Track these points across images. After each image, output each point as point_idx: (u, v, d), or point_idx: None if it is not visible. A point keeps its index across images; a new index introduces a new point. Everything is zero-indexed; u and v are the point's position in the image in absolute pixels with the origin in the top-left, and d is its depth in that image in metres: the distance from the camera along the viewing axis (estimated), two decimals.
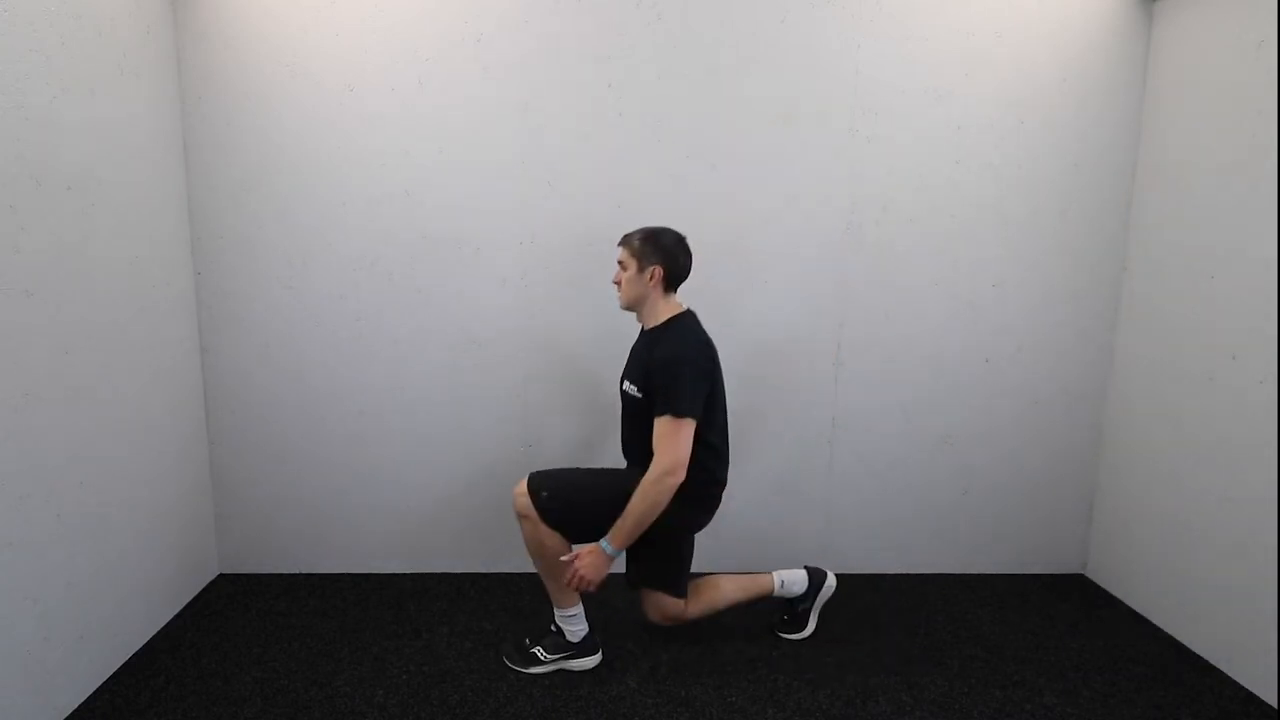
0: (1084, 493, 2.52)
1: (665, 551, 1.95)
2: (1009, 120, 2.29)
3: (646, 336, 1.91)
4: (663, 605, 1.98)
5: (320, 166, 2.24)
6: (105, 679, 1.86)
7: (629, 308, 1.93)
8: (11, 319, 1.53)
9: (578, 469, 2.07)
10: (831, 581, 2.12)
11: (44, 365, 1.63)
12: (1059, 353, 2.43)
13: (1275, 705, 1.83)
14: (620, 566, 1.96)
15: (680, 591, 2.00)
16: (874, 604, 2.33)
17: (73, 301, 1.71)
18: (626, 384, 1.90)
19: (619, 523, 1.77)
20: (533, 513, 1.83)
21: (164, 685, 1.85)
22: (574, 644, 1.93)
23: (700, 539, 2.48)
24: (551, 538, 1.84)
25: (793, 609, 2.12)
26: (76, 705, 1.75)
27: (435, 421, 2.39)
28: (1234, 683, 1.94)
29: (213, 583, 2.40)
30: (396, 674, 1.92)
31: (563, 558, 1.84)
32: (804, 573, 2.12)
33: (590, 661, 1.96)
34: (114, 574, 1.89)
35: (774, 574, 2.10)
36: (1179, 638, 2.14)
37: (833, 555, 2.52)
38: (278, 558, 2.45)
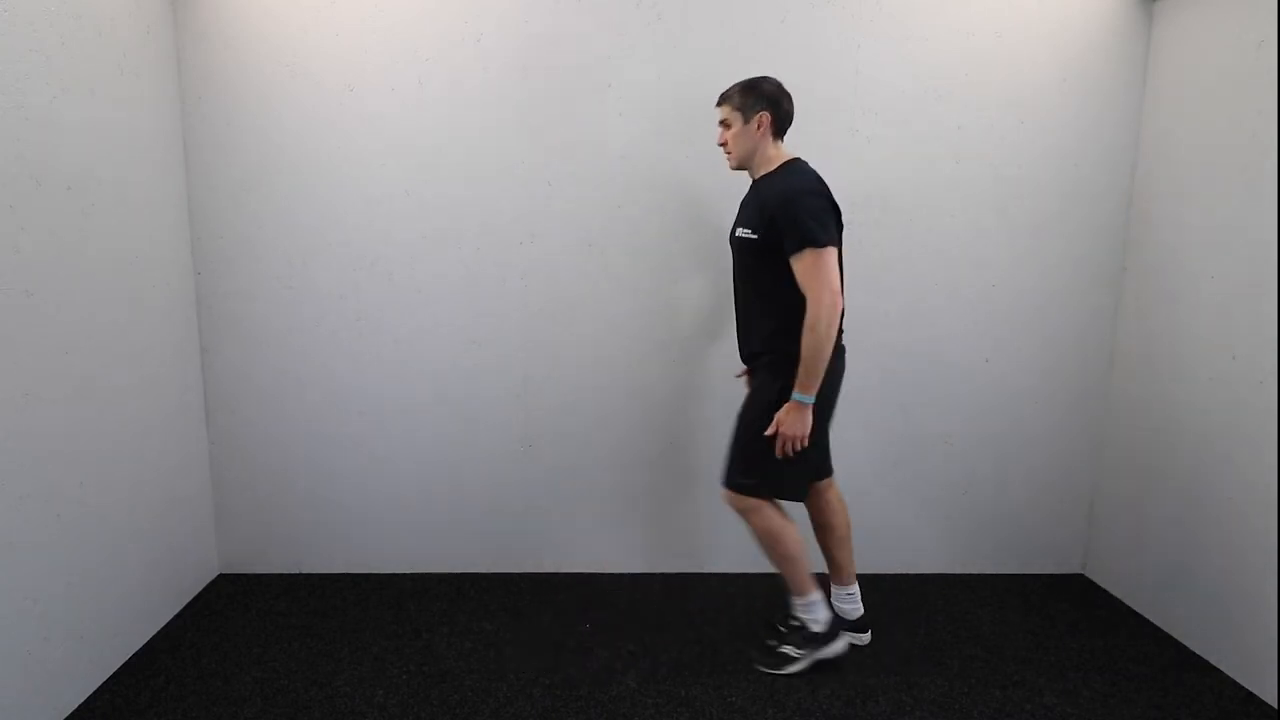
0: (1084, 493, 2.52)
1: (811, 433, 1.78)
2: (1009, 120, 2.29)
3: (758, 185, 1.86)
4: (742, 497, 1.87)
5: (320, 166, 2.24)
6: (105, 679, 1.86)
7: (741, 165, 1.87)
8: (11, 319, 1.53)
9: (736, 439, 1.92)
10: (840, 648, 1.95)
11: (44, 365, 1.63)
12: (1059, 353, 2.43)
13: (1275, 705, 1.83)
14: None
15: (802, 492, 1.91)
16: (874, 604, 2.32)
17: (73, 301, 1.71)
18: (740, 230, 1.84)
19: (800, 371, 1.70)
20: (745, 501, 1.85)
21: (164, 685, 1.85)
22: (820, 633, 1.92)
23: (700, 539, 2.49)
24: (775, 518, 1.85)
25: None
26: (76, 705, 1.75)
27: (435, 421, 2.39)
28: (1234, 683, 1.94)
29: (213, 583, 2.40)
30: (396, 674, 1.92)
31: (766, 432, 1.77)
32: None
33: (840, 646, 1.92)
34: (114, 574, 1.89)
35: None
36: (1179, 638, 2.14)
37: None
38: (278, 558, 2.45)
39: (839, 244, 1.75)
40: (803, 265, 1.69)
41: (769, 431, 1.78)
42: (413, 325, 2.33)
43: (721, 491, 1.93)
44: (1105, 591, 2.44)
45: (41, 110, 1.61)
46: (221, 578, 2.43)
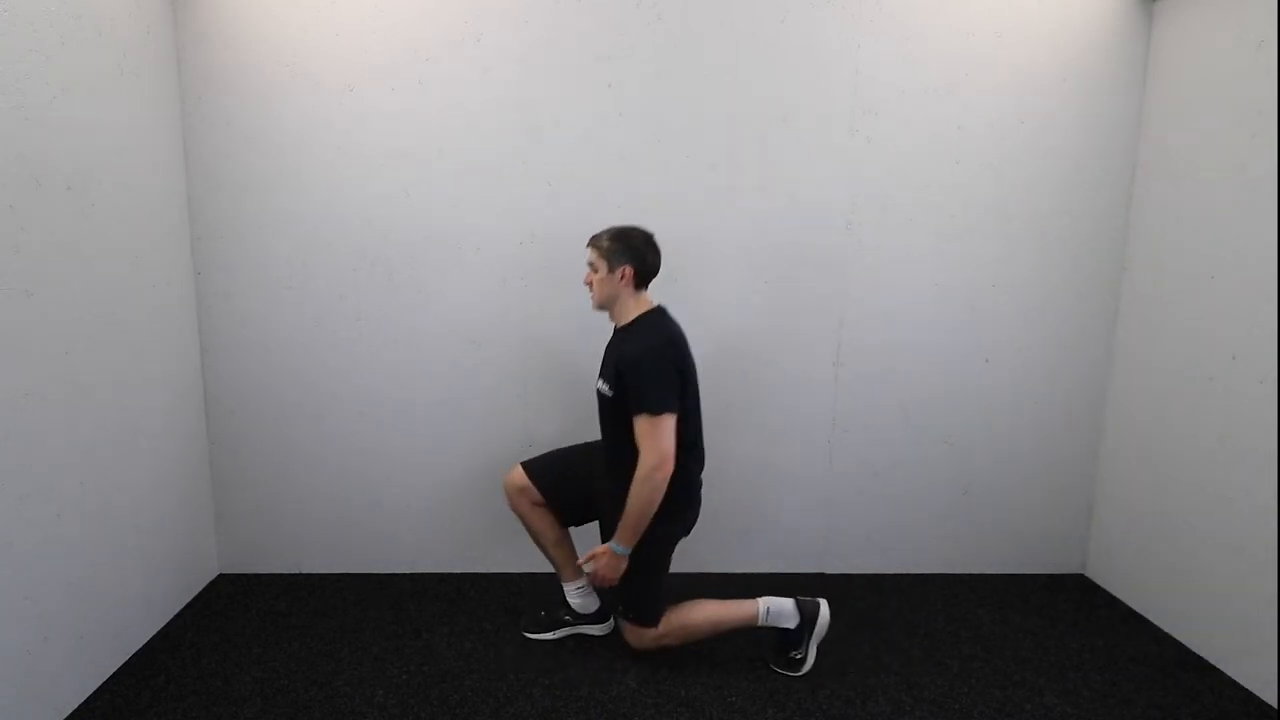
0: (1084, 493, 2.52)
1: (638, 573, 1.85)
2: (1009, 120, 2.29)
3: (617, 335, 1.91)
4: (636, 632, 1.95)
5: (320, 166, 2.24)
6: (105, 679, 1.86)
7: (601, 307, 1.92)
8: (11, 319, 1.53)
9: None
10: (825, 616, 1.93)
11: (44, 365, 1.63)
12: (1059, 353, 2.43)
13: (1275, 705, 1.83)
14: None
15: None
16: (874, 604, 2.33)
17: (73, 301, 1.71)
18: (600, 383, 1.89)
19: (622, 522, 1.77)
20: (650, 633, 1.92)
21: (164, 685, 1.85)
22: (796, 628, 1.94)
23: (700, 539, 2.48)
24: (681, 623, 1.94)
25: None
26: (76, 705, 1.75)
27: (435, 421, 2.39)
28: (1234, 683, 1.94)
29: (213, 583, 2.40)
30: (396, 674, 1.92)
31: (578, 561, 1.92)
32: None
33: (824, 612, 1.94)
34: (114, 574, 1.89)
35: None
36: (1179, 638, 2.14)
37: (833, 555, 2.52)
38: (278, 558, 2.45)
39: (678, 408, 1.77)
40: (641, 428, 1.74)
41: (580, 561, 1.94)
42: (413, 325, 2.33)
43: (628, 633, 1.97)
44: (1105, 591, 2.44)
45: (41, 110, 1.61)
46: (221, 578, 2.43)
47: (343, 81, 2.20)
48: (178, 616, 2.18)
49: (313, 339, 2.33)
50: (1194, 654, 2.07)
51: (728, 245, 2.32)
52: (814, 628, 1.93)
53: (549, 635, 2.11)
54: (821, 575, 2.53)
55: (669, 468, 1.73)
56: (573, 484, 2.02)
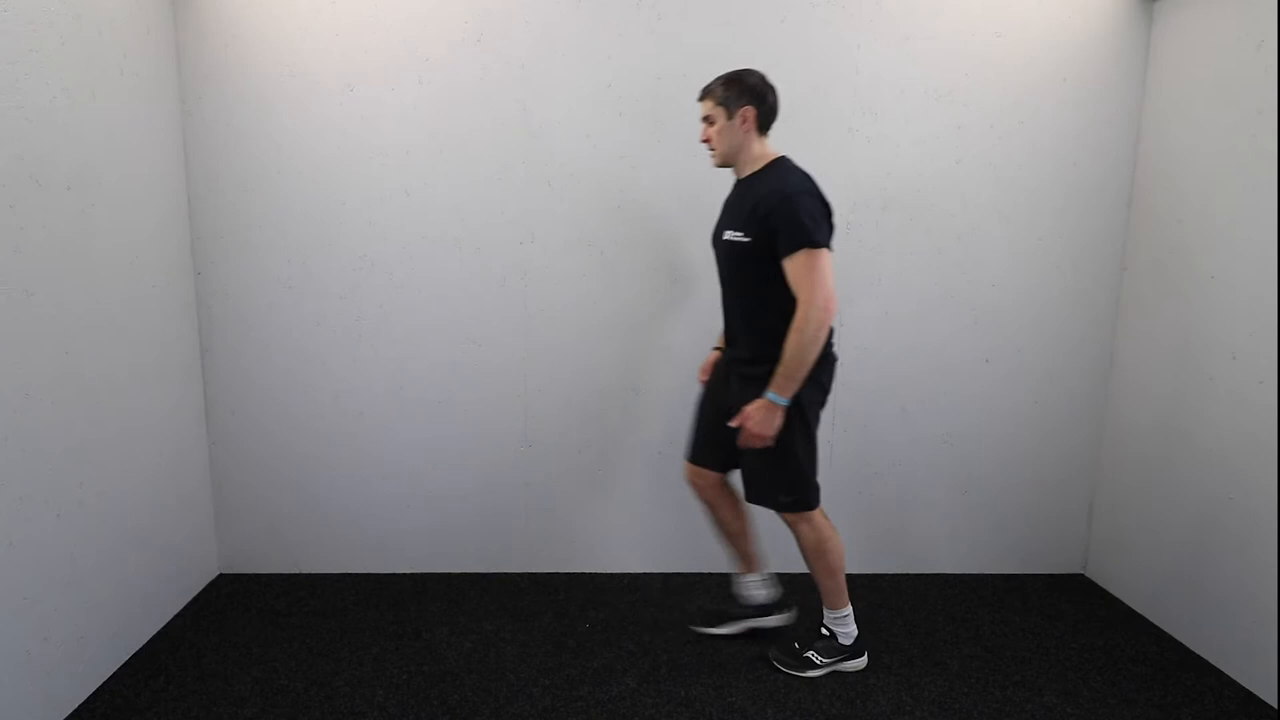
0: (1084, 493, 2.52)
1: (798, 442, 1.76)
2: (1009, 120, 2.29)
3: (745, 184, 1.80)
4: (804, 522, 1.85)
5: (320, 166, 2.24)
6: (105, 679, 1.86)
7: (725, 162, 1.81)
8: (12, 319, 1.53)
9: (763, 458, 1.83)
10: (860, 664, 1.96)
11: (44, 365, 1.63)
12: (1059, 353, 2.43)
13: (1275, 705, 1.83)
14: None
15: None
16: (874, 604, 2.33)
17: (73, 301, 1.71)
18: (728, 234, 1.76)
19: (779, 369, 1.65)
20: (792, 516, 1.83)
21: (164, 685, 1.85)
22: (847, 646, 1.92)
23: (700, 538, 2.49)
24: (822, 528, 1.84)
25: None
26: (76, 705, 1.75)
27: (435, 421, 2.39)
28: (1234, 683, 1.94)
29: (213, 583, 2.40)
30: (396, 674, 1.92)
31: (730, 423, 1.75)
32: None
33: (862, 662, 1.95)
34: (114, 574, 1.89)
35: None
36: (1179, 638, 2.14)
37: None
38: (278, 558, 2.45)
39: (830, 247, 1.69)
40: (796, 266, 1.64)
41: (733, 423, 1.76)
42: (413, 325, 2.33)
43: (802, 525, 1.87)
44: (1105, 591, 2.44)
45: (41, 110, 1.61)
46: (221, 578, 2.43)
47: (343, 81, 2.20)
48: (178, 616, 2.18)
49: (313, 339, 2.33)
50: (1194, 654, 2.07)
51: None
52: (851, 657, 1.94)
53: (725, 630, 2.09)
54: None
55: (834, 306, 1.63)
56: (719, 425, 1.87)
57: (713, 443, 1.98)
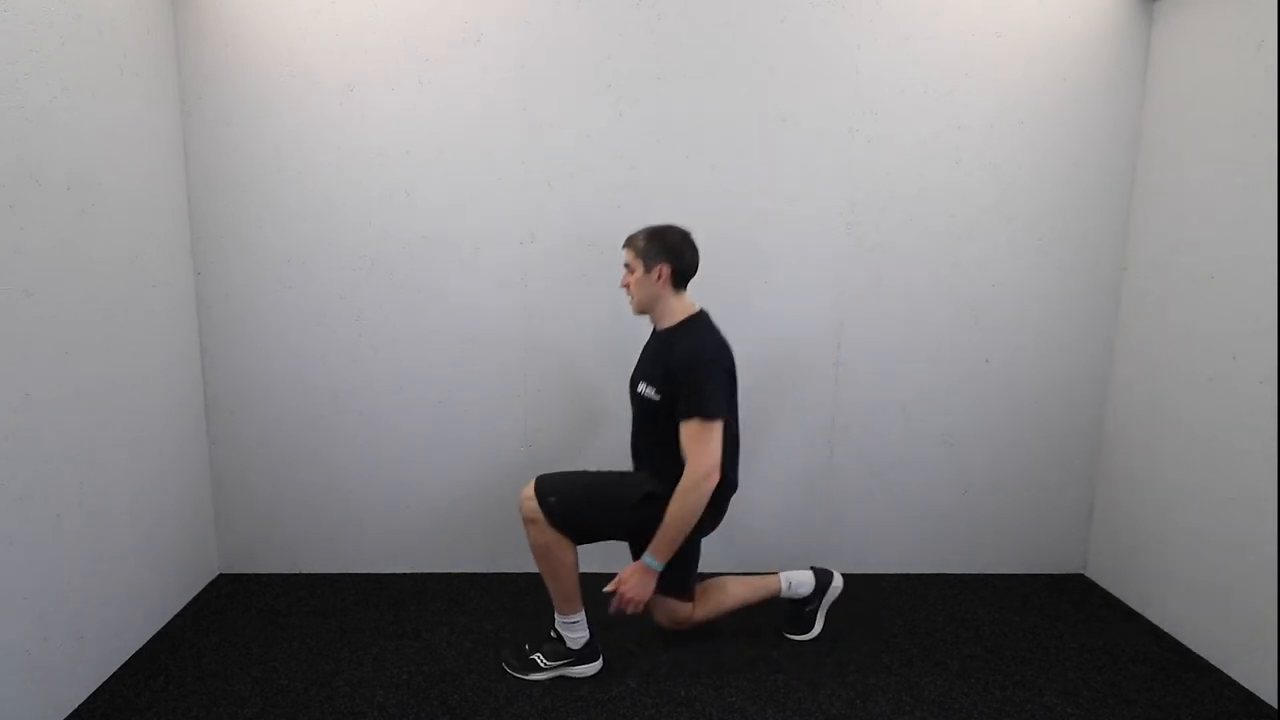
0: (1084, 493, 2.52)
1: (676, 555, 1.85)
2: (1009, 120, 2.29)
3: (661, 337, 1.88)
4: (670, 609, 1.98)
5: (320, 166, 2.24)
6: (105, 679, 1.86)
7: (642, 311, 1.89)
8: (11, 319, 1.53)
9: (584, 472, 2.03)
10: (838, 582, 2.11)
11: (44, 365, 1.63)
12: (1059, 353, 2.43)
13: (1275, 705, 1.83)
14: (621, 563, 1.93)
15: (687, 595, 1.99)
16: (874, 604, 2.33)
17: (73, 301, 1.71)
18: (642, 386, 1.85)
19: (659, 534, 1.74)
20: (539, 516, 1.82)
21: (164, 685, 1.85)
22: (574, 650, 1.92)
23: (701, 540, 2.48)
24: (559, 542, 1.83)
25: (799, 609, 2.11)
26: (76, 705, 1.75)
27: (435, 421, 2.39)
28: (1234, 683, 1.94)
29: (213, 583, 2.40)
30: (396, 674, 1.92)
31: (605, 589, 1.82)
32: (810, 574, 2.11)
33: (590, 669, 1.93)
34: (114, 574, 1.89)
35: (781, 575, 2.09)
36: (1179, 638, 2.14)
37: (833, 555, 2.52)
38: (278, 558, 2.45)
39: (727, 418, 1.76)
40: (689, 432, 1.71)
41: (607, 589, 1.81)
42: (413, 325, 2.33)
43: (527, 487, 1.86)
44: (1105, 591, 2.44)
45: (41, 110, 1.61)
46: (221, 578, 2.43)
47: (343, 81, 2.20)
48: (178, 616, 2.18)
49: (313, 339, 2.33)
50: (1194, 654, 2.07)
51: (727, 245, 2.31)
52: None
53: (814, 631, 2.11)
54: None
55: (717, 476, 1.71)
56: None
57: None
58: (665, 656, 2.01)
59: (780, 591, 2.07)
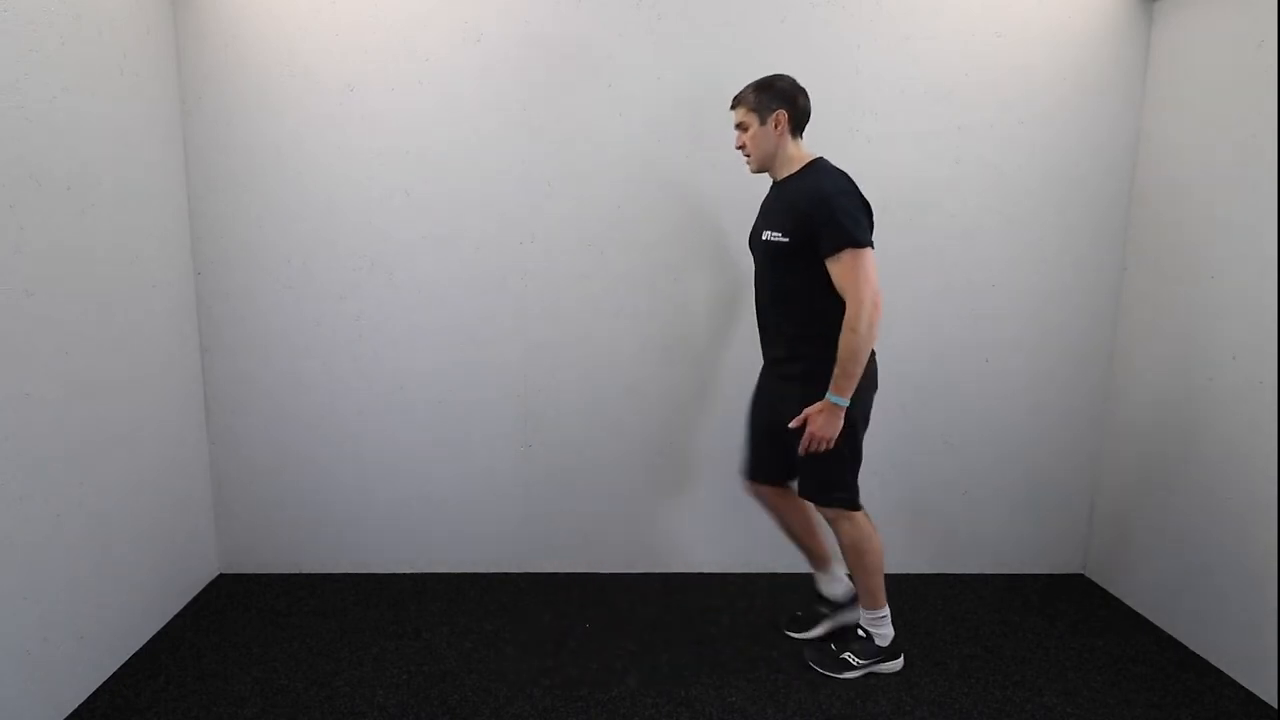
0: (1084, 493, 2.52)
1: (847, 443, 1.78)
2: (1009, 120, 2.29)
3: (783, 186, 1.82)
4: (846, 521, 1.86)
5: (320, 166, 2.24)
6: (105, 679, 1.86)
7: (761, 167, 1.84)
8: (11, 319, 1.53)
9: (809, 454, 1.81)
10: (897, 666, 1.96)
11: (44, 365, 1.63)
12: (1059, 353, 2.43)
13: (1275, 705, 1.83)
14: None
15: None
16: None
17: (73, 301, 1.71)
18: (767, 234, 1.78)
19: (837, 371, 1.68)
20: (838, 511, 1.83)
21: (164, 685, 1.85)
22: (883, 648, 1.92)
23: (699, 538, 2.49)
24: (865, 525, 1.84)
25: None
26: (76, 705, 1.75)
27: (435, 421, 2.39)
28: (1234, 683, 1.94)
29: (213, 583, 2.40)
30: (396, 674, 1.92)
31: (791, 424, 1.76)
32: (850, 586, 2.04)
33: (898, 664, 1.94)
34: (114, 574, 1.89)
35: (836, 562, 2.03)
36: (1179, 638, 2.14)
37: (832, 555, 2.51)
38: (278, 558, 2.45)
39: (873, 245, 1.70)
40: (841, 266, 1.66)
41: (794, 424, 1.76)
42: (413, 325, 2.33)
43: (839, 525, 1.89)
44: (1105, 591, 2.44)
45: (41, 110, 1.61)
46: (221, 578, 2.43)
47: (343, 81, 2.20)
48: (178, 616, 2.18)
49: (313, 339, 2.32)
50: (1194, 654, 2.07)
51: (728, 245, 2.31)
52: (888, 659, 1.94)
53: (815, 633, 2.10)
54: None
55: (881, 303, 1.66)
56: (773, 434, 1.89)
57: (769, 456, 1.99)
58: (665, 656, 2.01)
59: (825, 566, 2.04)
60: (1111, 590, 2.43)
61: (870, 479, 2.47)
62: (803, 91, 1.81)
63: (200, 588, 2.34)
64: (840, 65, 2.24)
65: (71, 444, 1.72)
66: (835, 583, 2.11)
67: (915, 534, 2.52)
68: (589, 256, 2.32)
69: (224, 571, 2.45)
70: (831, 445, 1.74)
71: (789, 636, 2.12)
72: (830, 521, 1.91)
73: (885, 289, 2.32)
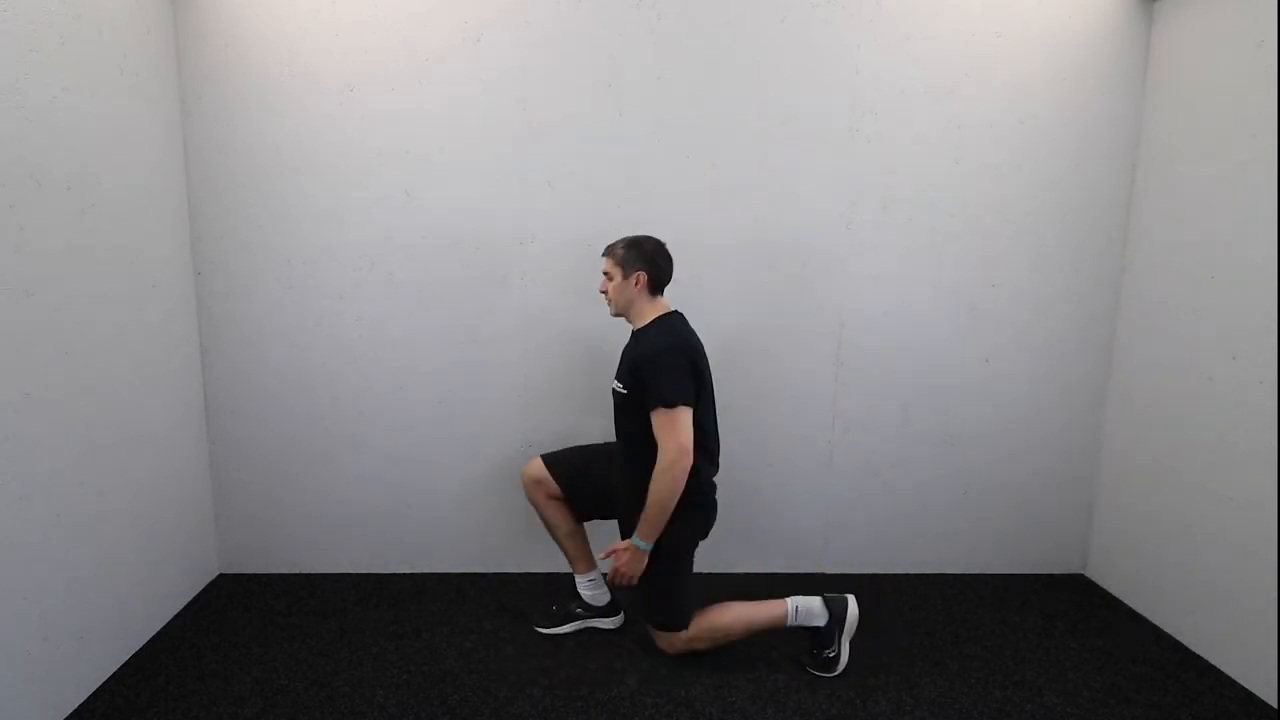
0: (1084, 493, 2.52)
1: (661, 578, 1.88)
2: (1009, 120, 2.29)
3: (635, 337, 1.94)
4: (665, 638, 1.97)
5: (320, 166, 2.24)
6: (105, 679, 1.86)
7: (619, 314, 1.96)
8: (11, 319, 1.53)
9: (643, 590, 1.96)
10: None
11: (44, 365, 1.63)
12: (1059, 353, 2.43)
13: (1275, 705, 1.83)
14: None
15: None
16: (874, 604, 2.32)
17: (73, 301, 1.71)
18: (615, 383, 1.93)
19: (643, 516, 1.79)
20: (679, 637, 1.93)
21: (164, 685, 1.85)
22: (825, 626, 1.95)
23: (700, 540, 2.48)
24: (708, 625, 1.94)
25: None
26: (76, 705, 1.75)
27: (435, 421, 2.39)
28: (1234, 683, 1.94)
29: (213, 583, 2.40)
30: (396, 674, 1.92)
31: (600, 555, 1.92)
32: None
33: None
34: (114, 574, 1.89)
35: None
36: (1179, 638, 2.14)
37: (833, 555, 2.52)
38: (278, 558, 2.45)
39: (694, 402, 1.79)
40: (658, 421, 1.76)
41: (601, 556, 1.91)
42: (413, 325, 2.33)
43: (658, 639, 1.98)
44: (1105, 591, 2.44)
45: (41, 110, 1.61)
46: (221, 578, 2.43)
47: (343, 81, 2.20)
48: (178, 616, 2.18)
49: (313, 339, 2.32)
50: (1194, 654, 2.07)
51: (728, 245, 2.32)
52: (844, 624, 1.94)
53: (561, 629, 2.12)
54: (821, 575, 2.53)
55: (688, 460, 1.75)
56: (591, 480, 2.06)
57: (582, 482, 2.07)
58: (665, 657, 2.01)
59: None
60: (1111, 590, 2.43)
61: (870, 479, 2.49)
62: (666, 255, 1.92)
63: (200, 588, 2.34)
64: (840, 65, 2.24)
65: (72, 444, 1.72)
66: (594, 589, 2.13)
67: (915, 534, 2.52)
68: (589, 256, 2.31)
69: (224, 571, 2.45)
70: (634, 583, 1.86)
71: (537, 632, 2.13)
72: (686, 647, 1.96)
73: (886, 289, 2.37)
